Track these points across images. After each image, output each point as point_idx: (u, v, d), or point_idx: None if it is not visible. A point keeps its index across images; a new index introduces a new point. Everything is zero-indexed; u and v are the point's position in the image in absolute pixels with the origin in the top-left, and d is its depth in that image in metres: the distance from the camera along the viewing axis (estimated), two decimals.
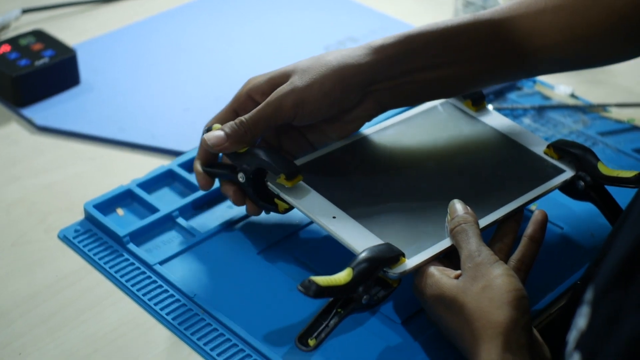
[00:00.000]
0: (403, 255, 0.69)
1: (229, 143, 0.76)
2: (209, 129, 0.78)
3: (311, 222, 0.82)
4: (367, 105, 0.80)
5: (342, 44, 1.13)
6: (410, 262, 0.70)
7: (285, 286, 0.77)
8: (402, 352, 0.72)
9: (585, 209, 0.86)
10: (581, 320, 0.50)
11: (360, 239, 0.71)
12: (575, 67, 0.86)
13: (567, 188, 0.82)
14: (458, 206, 0.73)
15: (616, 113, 1.02)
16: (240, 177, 0.78)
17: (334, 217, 0.74)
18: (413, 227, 0.74)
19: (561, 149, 0.81)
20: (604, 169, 0.79)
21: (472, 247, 0.69)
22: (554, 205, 0.85)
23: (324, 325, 0.68)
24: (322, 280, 0.65)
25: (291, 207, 0.77)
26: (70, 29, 1.13)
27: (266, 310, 0.75)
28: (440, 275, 0.69)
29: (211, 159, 0.82)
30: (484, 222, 0.74)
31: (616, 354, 0.45)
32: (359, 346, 0.72)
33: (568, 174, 0.81)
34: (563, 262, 0.81)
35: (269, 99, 0.77)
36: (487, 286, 0.65)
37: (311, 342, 0.67)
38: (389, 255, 0.68)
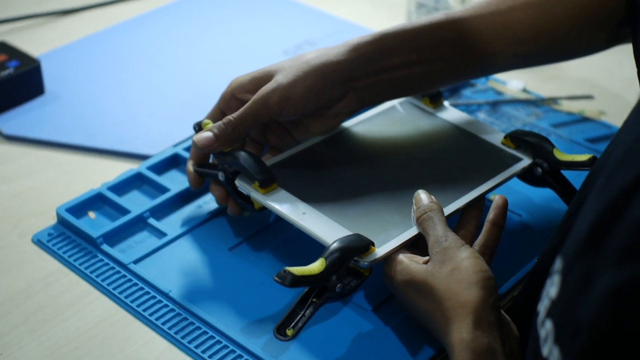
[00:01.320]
0: (372, 244, 0.72)
1: (218, 143, 0.79)
2: (199, 127, 0.81)
3: (279, 219, 0.85)
4: (348, 101, 0.83)
5: (300, 48, 1.16)
6: (380, 250, 0.73)
7: (258, 280, 0.80)
8: (374, 338, 0.75)
9: (541, 196, 0.89)
10: (552, 290, 0.52)
11: (330, 232, 0.74)
12: (545, 62, 0.90)
13: (526, 175, 0.85)
14: (423, 196, 0.76)
15: (567, 105, 1.06)
16: (221, 175, 0.80)
17: (304, 214, 0.76)
18: (380, 218, 0.77)
19: (518, 138, 0.85)
20: (560, 154, 0.83)
21: (439, 232, 0.72)
22: (512, 194, 0.89)
23: (300, 315, 0.70)
24: (297, 270, 0.68)
25: None
26: (32, 41, 1.15)
27: (241, 304, 0.77)
28: (409, 262, 0.71)
29: (202, 159, 0.85)
30: (447, 210, 0.77)
31: (589, 313, 0.47)
32: (333, 334, 0.75)
33: (526, 161, 0.84)
34: (522, 248, 0.85)
35: (255, 97, 0.80)
36: (455, 268, 0.68)
37: (289, 332, 0.69)
38: (360, 245, 0.71)
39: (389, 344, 0.74)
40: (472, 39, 0.83)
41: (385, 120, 0.91)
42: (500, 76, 1.10)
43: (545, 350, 0.52)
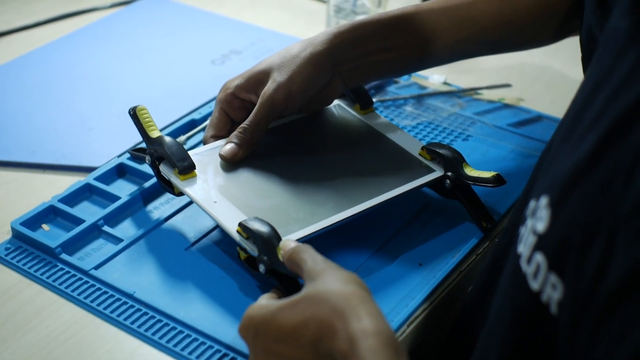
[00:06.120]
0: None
1: (242, 151, 0.86)
2: (134, 112, 0.88)
3: None
4: (334, 85, 0.91)
5: (227, 57, 1.19)
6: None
7: (217, 274, 0.83)
8: None
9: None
10: (539, 225, 0.57)
11: (235, 221, 0.79)
12: (505, 49, 0.98)
13: (437, 186, 0.90)
14: (288, 242, 0.74)
15: (487, 94, 1.12)
16: (147, 159, 0.87)
17: (215, 202, 0.82)
18: (285, 213, 0.82)
19: (432, 150, 0.90)
20: (468, 169, 0.87)
21: (309, 261, 0.70)
22: None
23: None
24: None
25: None
26: None
27: (203, 297, 0.80)
28: (269, 298, 0.71)
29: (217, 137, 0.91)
30: (349, 212, 0.83)
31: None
32: None
33: (437, 173, 0.89)
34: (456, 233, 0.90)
35: (260, 100, 0.87)
36: (331, 277, 0.67)
37: None
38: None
39: None
40: (438, 29, 0.91)
41: (313, 121, 0.95)
42: (421, 72, 1.15)
43: (535, 284, 0.55)
